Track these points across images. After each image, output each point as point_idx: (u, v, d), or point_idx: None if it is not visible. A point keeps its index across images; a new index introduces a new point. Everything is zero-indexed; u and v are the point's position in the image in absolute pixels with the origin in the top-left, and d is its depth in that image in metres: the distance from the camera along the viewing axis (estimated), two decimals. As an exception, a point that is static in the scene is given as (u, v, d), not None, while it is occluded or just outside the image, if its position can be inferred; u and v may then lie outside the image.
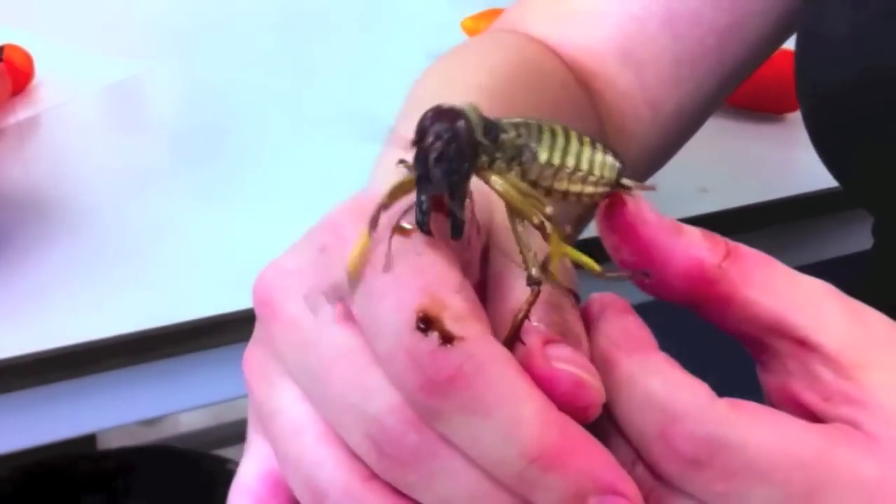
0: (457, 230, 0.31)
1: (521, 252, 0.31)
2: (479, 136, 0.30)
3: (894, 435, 0.30)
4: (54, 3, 1.08)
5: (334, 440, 0.31)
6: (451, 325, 0.29)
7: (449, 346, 0.28)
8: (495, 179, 0.31)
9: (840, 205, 0.82)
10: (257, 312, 0.34)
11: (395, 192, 0.32)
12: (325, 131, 0.83)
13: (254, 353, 0.35)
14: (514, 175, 0.31)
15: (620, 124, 0.64)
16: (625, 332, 0.32)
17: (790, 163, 0.89)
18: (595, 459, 0.29)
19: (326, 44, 1.08)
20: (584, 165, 0.33)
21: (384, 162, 0.45)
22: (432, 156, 0.30)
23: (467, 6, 1.03)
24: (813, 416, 0.32)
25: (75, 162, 0.82)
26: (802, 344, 0.32)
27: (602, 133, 0.63)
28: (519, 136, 0.31)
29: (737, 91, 0.71)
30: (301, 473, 0.32)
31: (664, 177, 0.71)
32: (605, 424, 0.31)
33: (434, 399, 0.28)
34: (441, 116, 0.30)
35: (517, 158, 0.31)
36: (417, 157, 0.30)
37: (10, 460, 0.84)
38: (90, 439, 1.34)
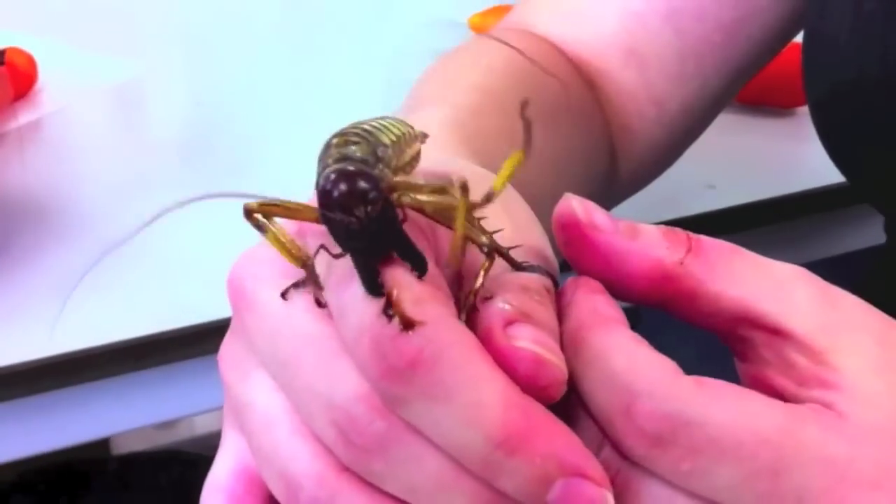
0: (420, 266, 0.30)
1: (460, 231, 0.31)
2: (378, 172, 0.30)
3: (866, 416, 0.30)
4: (57, 6, 1.08)
5: (308, 432, 0.31)
6: (409, 309, 0.28)
7: (410, 331, 0.28)
8: (405, 198, 0.30)
9: (851, 200, 0.81)
10: (230, 302, 0.34)
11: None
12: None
13: (229, 344, 0.35)
14: (389, 174, 0.31)
15: (625, 122, 0.63)
16: (593, 311, 0.31)
17: (799, 158, 0.89)
18: (560, 442, 0.29)
19: (332, 42, 1.08)
20: (401, 127, 0.33)
21: None
22: (366, 220, 0.28)
23: (475, 3, 1.03)
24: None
25: (77, 165, 0.81)
26: (775, 332, 0.32)
27: (607, 132, 0.62)
28: (357, 143, 0.31)
29: (744, 86, 0.70)
30: (275, 466, 0.32)
31: (672, 173, 0.70)
32: (574, 406, 0.31)
33: (396, 385, 0.28)
34: (343, 182, 0.29)
35: (380, 161, 0.31)
36: (340, 231, 0.29)
37: (16, 466, 0.84)
38: (103, 443, 1.34)
